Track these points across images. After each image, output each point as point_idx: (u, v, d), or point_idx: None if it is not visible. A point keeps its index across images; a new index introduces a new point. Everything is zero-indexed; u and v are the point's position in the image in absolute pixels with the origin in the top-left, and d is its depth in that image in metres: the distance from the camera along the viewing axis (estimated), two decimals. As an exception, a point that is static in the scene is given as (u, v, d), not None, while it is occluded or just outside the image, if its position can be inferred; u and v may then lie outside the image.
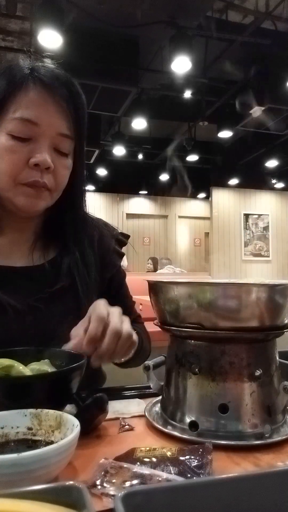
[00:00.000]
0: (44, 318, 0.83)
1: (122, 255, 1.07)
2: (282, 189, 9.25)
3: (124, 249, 1.11)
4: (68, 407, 0.63)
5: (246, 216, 8.97)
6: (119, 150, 6.82)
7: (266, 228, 9.03)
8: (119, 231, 1.11)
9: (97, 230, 1.00)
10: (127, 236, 1.12)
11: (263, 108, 5.12)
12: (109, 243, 1.02)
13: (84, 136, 0.89)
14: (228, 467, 0.50)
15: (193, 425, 0.58)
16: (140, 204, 9.97)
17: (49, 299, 0.85)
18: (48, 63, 0.87)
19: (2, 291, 0.81)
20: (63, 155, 0.84)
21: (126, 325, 0.72)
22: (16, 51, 5.05)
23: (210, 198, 9.00)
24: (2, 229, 0.89)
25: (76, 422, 0.47)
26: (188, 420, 0.59)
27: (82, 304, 0.90)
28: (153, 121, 6.24)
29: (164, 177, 8.90)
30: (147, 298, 0.71)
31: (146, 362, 0.67)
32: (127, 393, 0.76)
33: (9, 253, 0.88)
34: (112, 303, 0.77)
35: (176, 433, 0.58)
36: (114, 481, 0.43)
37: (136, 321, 1.03)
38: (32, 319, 0.81)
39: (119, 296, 1.00)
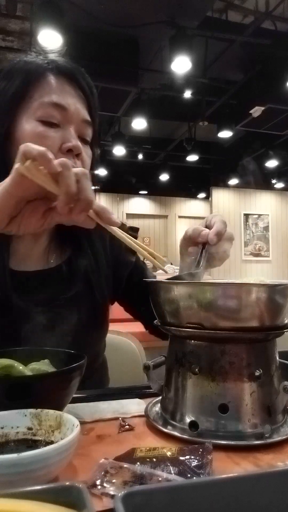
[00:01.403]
0: (61, 323, 0.81)
1: (134, 252, 1.06)
2: (282, 189, 9.25)
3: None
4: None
5: (246, 216, 8.97)
6: (119, 150, 6.82)
7: (266, 228, 9.03)
8: (128, 226, 1.09)
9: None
10: (136, 230, 1.10)
11: (263, 108, 5.12)
12: (119, 242, 1.01)
13: (97, 126, 0.88)
14: (228, 467, 0.50)
15: (193, 425, 0.58)
16: (140, 204, 9.97)
17: (66, 304, 0.84)
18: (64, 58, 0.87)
19: (18, 297, 0.79)
20: (86, 143, 0.84)
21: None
22: (16, 51, 5.05)
23: (210, 198, 9.00)
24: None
25: (76, 422, 0.47)
26: (188, 420, 0.59)
27: (98, 307, 0.90)
28: (153, 121, 6.24)
29: (164, 177, 8.90)
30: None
31: (146, 362, 0.67)
32: (127, 393, 0.76)
33: (25, 256, 0.85)
34: (139, 300, 0.77)
35: (176, 433, 0.58)
36: (114, 481, 0.43)
37: None
38: (49, 325, 0.79)
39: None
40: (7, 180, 0.59)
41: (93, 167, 0.88)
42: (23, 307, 0.78)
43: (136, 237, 1.06)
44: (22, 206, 0.61)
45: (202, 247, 0.78)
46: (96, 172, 0.95)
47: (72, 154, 0.78)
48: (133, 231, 1.05)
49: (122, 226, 0.96)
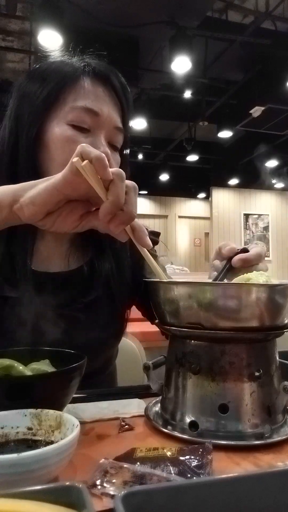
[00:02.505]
0: (79, 327, 0.79)
1: (154, 257, 1.02)
2: (282, 189, 9.25)
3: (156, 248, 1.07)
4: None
5: (246, 216, 8.98)
6: (119, 150, 6.81)
7: (266, 228, 9.04)
8: (149, 230, 1.05)
9: None
10: (157, 234, 1.05)
11: (263, 108, 5.12)
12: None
13: (128, 133, 0.87)
14: (228, 467, 0.50)
15: (193, 425, 0.58)
16: (140, 204, 9.94)
17: (85, 308, 0.82)
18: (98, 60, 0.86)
19: (38, 298, 0.77)
20: (115, 150, 0.83)
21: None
22: (16, 51, 5.06)
23: (210, 198, 9.01)
24: (44, 234, 0.84)
25: (76, 422, 0.47)
26: (188, 420, 0.59)
27: (116, 313, 0.89)
28: (153, 121, 6.24)
29: (164, 177, 8.90)
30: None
31: (146, 362, 0.67)
32: (127, 393, 0.76)
33: (46, 257, 0.84)
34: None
35: (176, 433, 0.58)
36: (114, 481, 0.43)
37: None
38: (67, 328, 0.75)
39: None
40: (58, 177, 0.59)
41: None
42: (41, 309, 0.76)
43: (157, 242, 1.04)
44: (62, 204, 0.61)
45: (226, 263, 0.77)
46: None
47: None
48: (154, 236, 1.03)
49: (151, 249, 0.95)
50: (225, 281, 0.75)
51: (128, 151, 0.90)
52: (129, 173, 0.89)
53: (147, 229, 1.03)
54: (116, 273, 0.88)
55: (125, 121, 0.84)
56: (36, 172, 0.78)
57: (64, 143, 0.76)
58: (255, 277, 0.64)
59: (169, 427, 0.60)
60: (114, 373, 1.00)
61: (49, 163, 0.78)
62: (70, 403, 0.61)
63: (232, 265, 0.75)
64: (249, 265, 0.75)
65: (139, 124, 5.68)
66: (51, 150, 0.78)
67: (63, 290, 0.82)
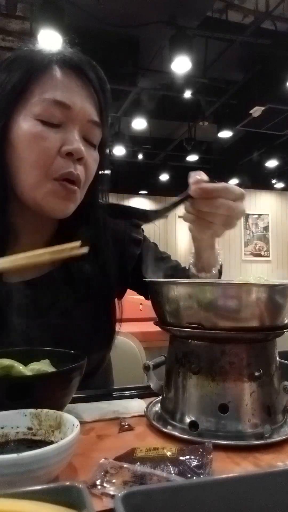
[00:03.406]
0: (61, 334, 0.74)
1: (139, 242, 0.94)
2: (282, 189, 9.25)
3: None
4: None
5: (246, 216, 8.97)
6: (119, 150, 6.82)
7: (266, 228, 9.03)
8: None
9: (110, 223, 0.90)
10: (144, 216, 0.98)
11: (263, 108, 5.12)
12: (124, 234, 0.92)
13: (108, 127, 0.81)
14: (228, 467, 0.50)
15: (193, 425, 0.58)
16: (140, 204, 9.96)
17: (67, 313, 0.78)
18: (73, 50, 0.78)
19: (16, 309, 0.72)
20: (92, 146, 0.77)
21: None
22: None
23: (210, 198, 8.99)
24: (18, 238, 0.79)
25: (76, 422, 0.47)
26: (188, 420, 0.59)
27: (105, 311, 0.86)
28: (153, 121, 6.24)
29: (164, 177, 8.89)
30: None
31: (146, 362, 0.67)
32: (127, 393, 0.76)
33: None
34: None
35: (176, 433, 0.58)
36: (114, 481, 0.43)
37: None
38: (50, 336, 0.70)
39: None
40: None
41: (101, 172, 0.82)
42: (19, 319, 0.72)
43: (140, 224, 0.95)
44: None
45: (186, 191, 0.71)
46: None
47: (72, 158, 0.71)
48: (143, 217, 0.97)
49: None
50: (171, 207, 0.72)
51: (108, 149, 0.84)
52: (109, 170, 0.86)
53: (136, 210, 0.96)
54: (100, 270, 0.83)
55: (103, 116, 0.77)
56: (4, 172, 0.73)
57: (31, 140, 0.70)
58: (253, 280, 0.64)
59: (169, 427, 0.60)
60: (109, 369, 0.99)
61: (18, 163, 0.72)
62: (70, 403, 0.61)
63: (191, 194, 0.70)
64: (210, 197, 0.69)
65: (139, 124, 5.68)
66: (18, 148, 0.71)
67: (41, 297, 0.76)
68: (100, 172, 0.83)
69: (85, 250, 0.61)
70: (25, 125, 0.71)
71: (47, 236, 0.83)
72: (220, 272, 0.87)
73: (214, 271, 0.83)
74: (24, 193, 0.74)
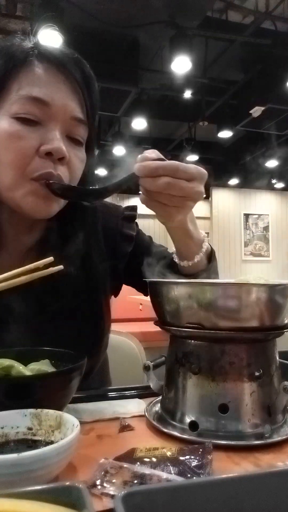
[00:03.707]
0: (49, 339, 0.69)
1: (131, 238, 0.91)
2: (282, 189, 9.25)
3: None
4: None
5: (246, 216, 8.97)
6: (119, 150, 6.82)
7: (266, 228, 9.03)
8: (124, 206, 0.95)
9: (100, 220, 0.87)
10: (134, 208, 0.95)
11: (263, 108, 5.12)
12: (115, 230, 0.89)
13: (96, 125, 0.77)
14: (228, 467, 0.50)
15: (193, 425, 0.58)
16: (140, 203, 9.95)
17: (54, 317, 0.75)
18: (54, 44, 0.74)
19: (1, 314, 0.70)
20: (78, 144, 0.73)
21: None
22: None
23: (210, 198, 8.99)
24: (3, 241, 0.76)
25: (76, 422, 0.47)
26: (188, 420, 0.59)
27: (95, 313, 0.83)
28: (153, 121, 6.23)
29: (164, 177, 8.88)
30: (147, 298, 0.71)
31: (146, 362, 0.67)
32: (127, 393, 0.76)
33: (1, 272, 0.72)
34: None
35: (176, 433, 0.58)
36: (114, 481, 0.43)
37: None
38: (39, 342, 0.67)
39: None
40: None
41: (88, 174, 0.78)
42: (4, 325, 0.70)
43: (135, 217, 0.93)
44: None
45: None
46: (96, 172, 0.87)
47: (52, 158, 0.67)
48: (131, 211, 0.93)
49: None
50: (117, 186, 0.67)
51: (95, 148, 0.80)
52: (94, 169, 0.81)
53: (119, 205, 0.94)
54: (86, 278, 0.80)
55: (89, 112, 0.73)
56: None
57: (8, 140, 0.66)
58: (253, 280, 0.64)
59: (169, 427, 0.60)
60: (105, 370, 0.98)
61: None
62: (70, 403, 0.61)
63: (136, 173, 0.65)
64: (155, 175, 0.64)
65: (139, 124, 5.68)
66: None
67: (25, 303, 0.73)
68: (90, 172, 0.80)
69: (60, 267, 0.60)
70: (1, 124, 0.68)
71: (33, 240, 0.80)
72: (209, 259, 0.82)
73: (197, 258, 0.78)
74: (2, 194, 0.71)
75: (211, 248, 0.84)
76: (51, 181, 0.68)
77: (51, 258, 0.59)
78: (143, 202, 0.70)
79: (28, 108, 0.66)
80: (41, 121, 0.68)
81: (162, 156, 0.67)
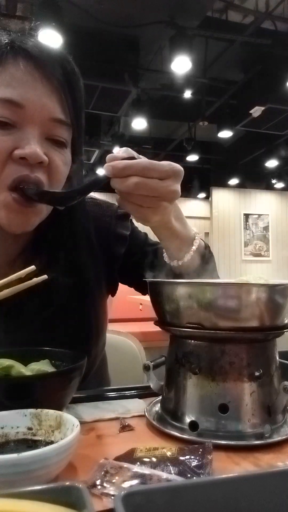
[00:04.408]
0: (42, 341, 0.68)
1: (124, 238, 0.89)
2: (282, 189, 9.25)
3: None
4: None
5: (246, 216, 8.97)
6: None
7: (266, 228, 9.03)
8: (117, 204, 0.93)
9: (92, 222, 0.85)
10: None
11: (263, 108, 5.12)
12: (108, 231, 0.87)
13: (82, 125, 0.73)
14: (228, 467, 0.50)
15: (193, 425, 0.58)
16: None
17: (44, 325, 0.74)
18: (36, 38, 0.70)
19: None
20: (60, 146, 0.68)
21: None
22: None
23: (210, 198, 9.00)
24: None
25: (76, 422, 0.47)
26: (188, 420, 0.59)
27: (87, 319, 0.82)
28: (153, 121, 6.24)
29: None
30: (147, 297, 0.71)
31: (146, 362, 0.67)
32: (127, 393, 0.76)
33: None
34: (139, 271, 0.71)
35: (176, 433, 0.58)
36: (114, 481, 0.43)
37: None
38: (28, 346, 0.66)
39: (143, 261, 0.83)
40: None
41: (75, 177, 0.74)
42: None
43: (129, 215, 0.89)
44: None
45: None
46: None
47: (27, 163, 0.63)
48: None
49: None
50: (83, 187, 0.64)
51: (82, 149, 0.75)
52: (81, 171, 0.77)
53: (112, 204, 0.90)
54: (79, 280, 0.79)
55: (72, 112, 0.69)
56: None
57: None
58: (253, 280, 0.64)
59: (169, 427, 0.60)
60: (103, 371, 0.97)
61: None
62: (70, 403, 0.61)
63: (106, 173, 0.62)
64: (123, 175, 0.60)
65: (139, 124, 5.68)
66: None
67: (15, 312, 0.72)
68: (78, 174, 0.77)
69: (44, 277, 0.58)
70: None
71: (20, 248, 0.76)
72: (203, 256, 0.79)
73: (187, 257, 0.75)
74: None
75: (205, 243, 0.81)
76: (25, 187, 0.64)
77: (33, 267, 0.58)
78: (117, 203, 0.67)
79: (1, 112, 0.63)
80: (16, 124, 0.64)
81: (134, 154, 0.64)
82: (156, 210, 0.64)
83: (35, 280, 0.58)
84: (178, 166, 0.63)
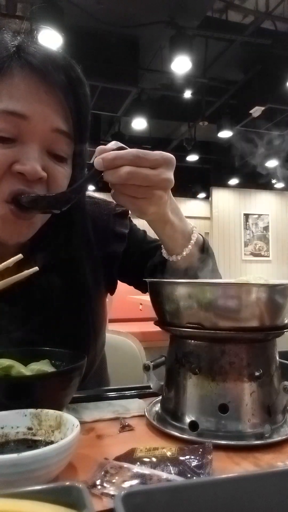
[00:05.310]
0: (39, 343, 0.68)
1: (123, 237, 0.88)
2: (282, 189, 9.25)
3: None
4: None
5: (246, 216, 8.98)
6: (119, 150, 6.81)
7: (266, 228, 9.03)
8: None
9: (91, 221, 0.84)
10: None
11: (263, 108, 5.13)
12: (107, 230, 0.87)
13: (86, 137, 0.72)
14: (228, 467, 0.50)
15: (193, 425, 0.58)
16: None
17: (42, 326, 0.73)
18: (40, 44, 0.68)
19: None
20: (60, 160, 0.68)
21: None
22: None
23: (210, 198, 9.00)
24: None
25: (76, 422, 0.47)
26: (188, 420, 0.59)
27: (85, 320, 0.81)
28: (153, 121, 6.24)
29: (164, 177, 8.88)
30: (147, 297, 0.71)
31: (146, 362, 0.67)
32: (127, 393, 0.76)
33: None
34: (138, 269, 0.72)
35: (176, 433, 0.58)
36: (114, 481, 0.43)
37: None
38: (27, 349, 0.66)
39: (143, 259, 0.85)
40: None
41: (76, 187, 0.70)
42: None
43: (127, 212, 0.89)
44: None
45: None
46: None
47: (24, 179, 0.63)
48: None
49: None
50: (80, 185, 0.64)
51: (83, 165, 0.74)
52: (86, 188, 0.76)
53: (109, 202, 0.89)
54: (77, 280, 0.78)
55: (77, 124, 0.68)
56: None
57: None
58: (253, 280, 0.64)
59: (169, 427, 0.60)
60: (102, 372, 0.97)
61: None
62: (70, 403, 0.61)
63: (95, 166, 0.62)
64: (114, 166, 0.60)
65: (139, 124, 5.68)
66: None
67: (11, 312, 0.72)
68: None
69: (35, 269, 0.58)
70: None
71: (17, 248, 0.74)
72: (202, 250, 0.78)
73: (186, 251, 0.74)
74: None
75: (203, 238, 0.81)
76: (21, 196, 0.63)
77: (20, 255, 0.57)
78: (112, 197, 0.66)
79: (2, 124, 0.61)
80: (17, 137, 0.63)
81: (123, 146, 0.63)
82: (151, 200, 0.63)
83: (26, 272, 0.58)
84: (169, 154, 0.63)
